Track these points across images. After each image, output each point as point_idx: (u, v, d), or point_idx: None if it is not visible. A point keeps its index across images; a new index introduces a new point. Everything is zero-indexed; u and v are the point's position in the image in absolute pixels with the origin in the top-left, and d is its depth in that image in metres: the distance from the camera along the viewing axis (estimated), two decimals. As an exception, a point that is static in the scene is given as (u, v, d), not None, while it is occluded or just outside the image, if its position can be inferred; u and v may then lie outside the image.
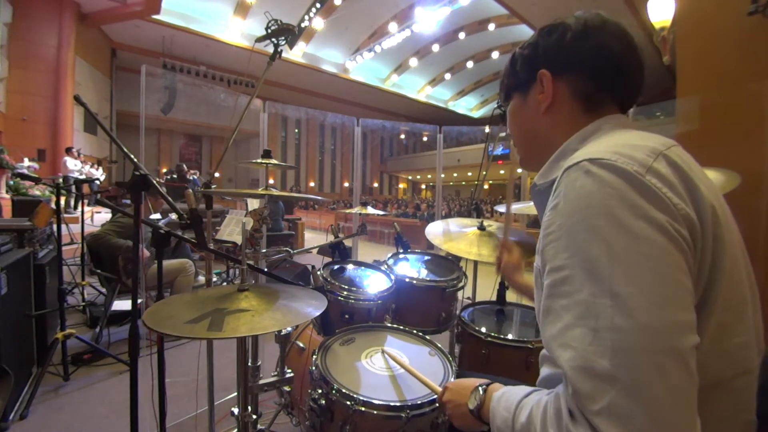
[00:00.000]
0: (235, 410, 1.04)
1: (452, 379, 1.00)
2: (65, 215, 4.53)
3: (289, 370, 1.10)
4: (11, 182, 6.40)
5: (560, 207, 0.51)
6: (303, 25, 13.00)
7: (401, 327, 1.30)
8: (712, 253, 0.50)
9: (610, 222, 0.46)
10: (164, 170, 13.54)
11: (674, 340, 0.43)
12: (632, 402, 0.41)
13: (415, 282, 1.53)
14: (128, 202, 4.14)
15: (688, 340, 0.43)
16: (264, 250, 1.35)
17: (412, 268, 1.71)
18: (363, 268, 1.67)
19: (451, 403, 0.73)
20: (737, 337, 0.52)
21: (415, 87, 19.75)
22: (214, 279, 4.04)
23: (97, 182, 6.26)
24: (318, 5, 12.46)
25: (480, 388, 0.66)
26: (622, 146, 0.51)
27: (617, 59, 0.63)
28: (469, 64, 17.61)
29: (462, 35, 15.01)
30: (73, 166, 7.82)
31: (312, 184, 22.78)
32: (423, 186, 27.66)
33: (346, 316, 1.35)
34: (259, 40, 1.43)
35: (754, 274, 0.56)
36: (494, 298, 1.63)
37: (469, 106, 22.91)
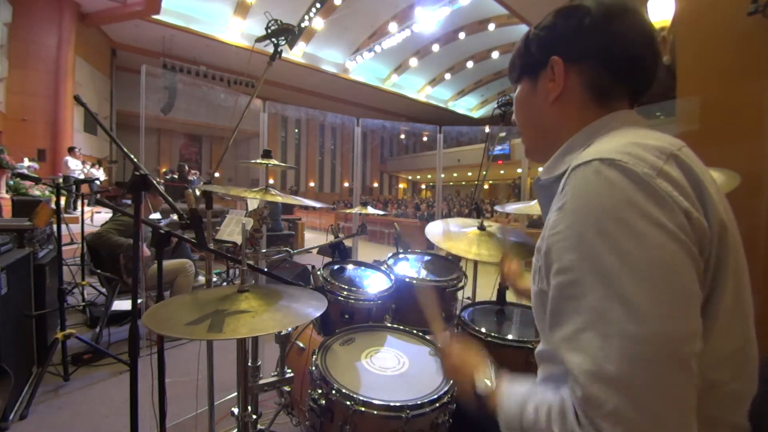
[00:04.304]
0: (235, 410, 1.04)
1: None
2: (65, 215, 4.53)
3: (289, 370, 1.10)
4: (11, 182, 6.41)
5: (568, 207, 0.50)
6: (303, 25, 13.01)
7: (401, 327, 1.31)
8: (717, 259, 0.50)
9: (621, 226, 0.45)
10: (164, 170, 13.53)
11: (681, 349, 0.43)
12: (637, 408, 0.42)
13: (415, 282, 1.53)
14: (128, 202, 4.14)
15: (694, 348, 0.44)
16: (264, 250, 1.35)
17: (412, 268, 1.71)
18: (363, 268, 1.67)
19: (458, 374, 0.73)
20: (734, 343, 0.52)
21: (415, 87, 19.74)
22: (214, 279, 4.04)
23: (97, 182, 6.26)
24: (318, 5, 12.46)
25: (487, 381, 0.66)
26: (632, 145, 0.50)
27: (635, 51, 0.59)
28: (469, 64, 17.61)
29: (462, 35, 15.00)
30: (74, 166, 7.83)
31: (312, 184, 22.77)
32: (423, 186, 27.65)
33: (346, 316, 1.35)
34: (259, 40, 1.43)
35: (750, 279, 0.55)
36: (494, 298, 1.63)
37: (469, 106, 22.90)
